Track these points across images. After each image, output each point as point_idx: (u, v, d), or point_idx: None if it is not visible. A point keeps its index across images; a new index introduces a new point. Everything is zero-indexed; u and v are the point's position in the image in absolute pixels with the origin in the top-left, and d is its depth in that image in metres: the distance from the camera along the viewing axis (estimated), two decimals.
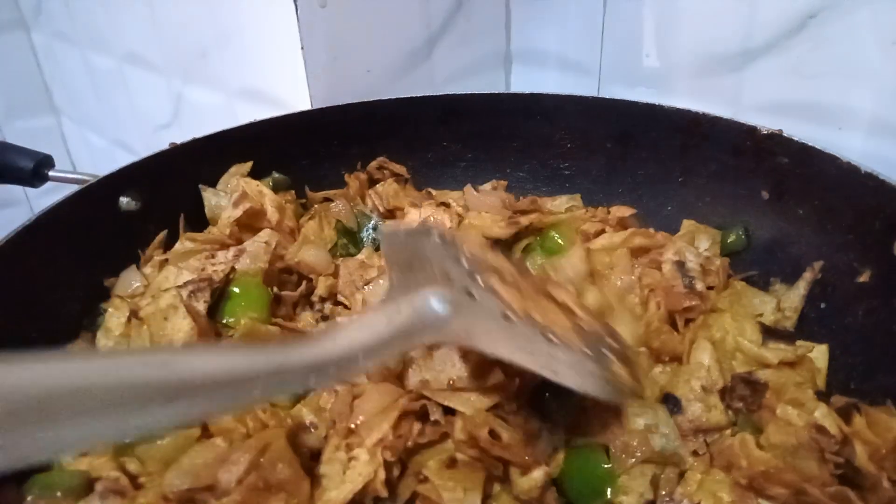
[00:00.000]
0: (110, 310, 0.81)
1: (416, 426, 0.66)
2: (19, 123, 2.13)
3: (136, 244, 0.94)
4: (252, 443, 0.61)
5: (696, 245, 0.92)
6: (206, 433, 0.66)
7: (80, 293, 0.85)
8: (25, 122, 2.14)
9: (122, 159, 0.96)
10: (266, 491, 0.57)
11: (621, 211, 0.97)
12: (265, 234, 0.90)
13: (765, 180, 0.93)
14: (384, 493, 0.62)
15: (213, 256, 0.85)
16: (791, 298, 0.87)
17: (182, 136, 1.02)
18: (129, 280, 0.87)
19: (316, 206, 1.07)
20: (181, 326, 0.76)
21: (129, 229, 0.93)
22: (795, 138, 0.89)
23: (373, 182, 1.12)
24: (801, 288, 0.87)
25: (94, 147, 2.08)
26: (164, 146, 0.98)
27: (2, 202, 1.97)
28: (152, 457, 0.63)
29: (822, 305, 0.85)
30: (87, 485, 0.62)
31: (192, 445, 0.64)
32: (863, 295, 0.80)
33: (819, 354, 0.80)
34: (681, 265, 0.82)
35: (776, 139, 0.91)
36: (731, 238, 0.95)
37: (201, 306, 0.81)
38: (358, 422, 0.65)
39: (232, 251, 0.87)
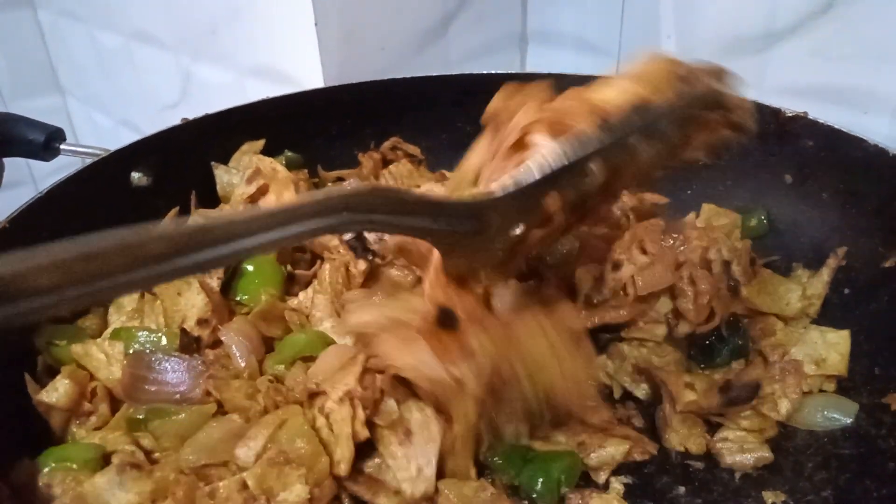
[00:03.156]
0: None
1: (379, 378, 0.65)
2: (25, 103, 2.11)
3: (147, 220, 0.92)
4: (269, 419, 0.60)
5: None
6: (220, 410, 0.65)
7: None
8: (31, 101, 2.11)
9: (129, 139, 0.94)
10: (285, 464, 0.55)
11: (655, 198, 0.95)
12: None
13: (788, 163, 0.91)
14: (365, 434, 0.60)
15: None
16: (815, 285, 0.85)
17: (191, 115, 1.00)
18: None
19: (329, 185, 1.05)
20: (195, 302, 0.75)
21: (140, 205, 0.92)
22: (821, 121, 0.87)
23: (386, 163, 1.10)
24: (825, 274, 0.85)
25: (101, 127, 2.06)
26: (173, 125, 0.96)
27: (7, 182, 1.95)
28: (167, 432, 0.62)
29: (846, 291, 0.84)
30: (103, 458, 0.61)
31: (206, 421, 0.63)
32: (887, 280, 0.79)
33: (841, 340, 0.79)
34: (728, 266, 0.80)
35: (801, 121, 0.89)
36: (753, 222, 0.94)
37: (214, 283, 0.79)
38: (317, 381, 0.64)
39: None
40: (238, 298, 0.80)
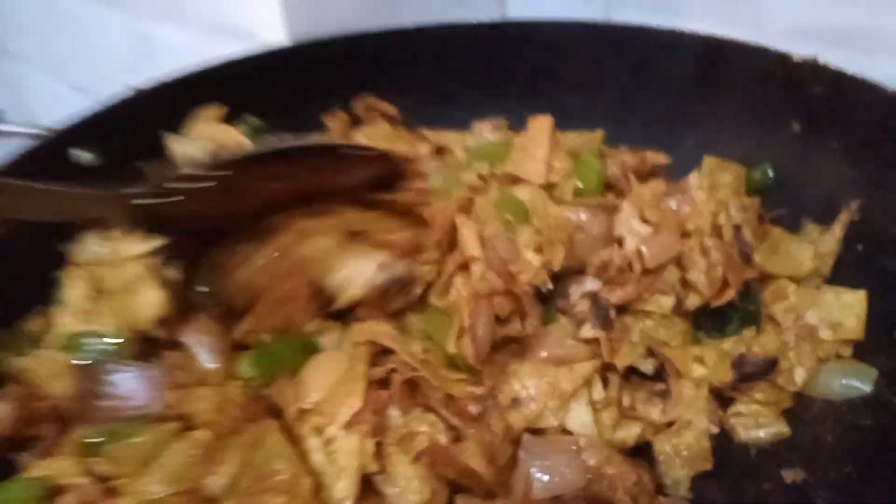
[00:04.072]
0: (67, 281, 0.71)
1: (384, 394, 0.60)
2: None
3: None
4: (241, 439, 0.53)
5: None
6: (186, 426, 0.58)
7: (31, 262, 0.75)
8: None
9: (81, 105, 0.85)
10: (263, 494, 0.49)
11: (656, 158, 0.87)
12: None
13: (795, 112, 0.85)
14: (375, 467, 0.55)
15: None
16: (826, 242, 0.80)
17: (146, 77, 0.91)
18: (90, 246, 0.77)
19: None
20: (152, 298, 0.67)
21: (89, 185, 0.83)
22: (832, 66, 0.80)
23: (356, 123, 1.02)
24: (837, 230, 0.79)
25: (50, 92, 1.93)
26: (126, 91, 0.87)
27: None
28: (126, 456, 0.55)
29: (860, 248, 0.78)
30: (51, 495, 0.54)
31: (169, 441, 0.56)
32: None
33: (856, 301, 0.74)
34: (738, 231, 0.74)
35: (809, 66, 0.82)
36: (757, 175, 0.87)
37: (176, 274, 0.72)
38: (314, 402, 0.58)
39: None
40: (202, 289, 0.72)
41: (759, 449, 0.69)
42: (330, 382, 0.57)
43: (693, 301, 0.75)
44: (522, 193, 0.78)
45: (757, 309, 0.76)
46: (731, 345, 0.75)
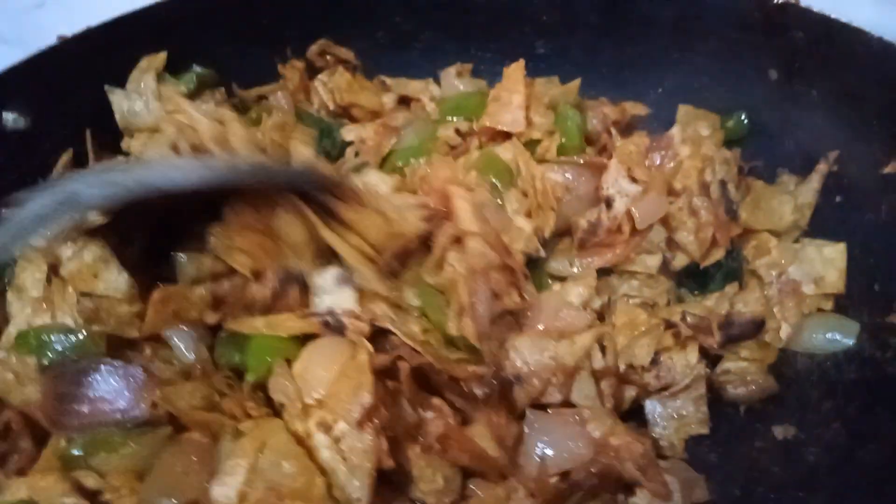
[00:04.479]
0: (22, 263, 0.63)
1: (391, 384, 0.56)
2: None
3: (32, 171, 0.74)
4: (246, 444, 0.49)
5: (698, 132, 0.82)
6: (178, 428, 0.53)
7: None
8: None
9: None
10: (279, 502, 0.46)
11: (636, 108, 0.84)
12: None
13: (774, 58, 0.82)
14: (390, 463, 0.53)
15: None
16: (804, 193, 0.79)
17: (61, 18, 0.80)
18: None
19: (252, 106, 0.88)
20: (116, 282, 0.60)
21: (18, 153, 0.73)
22: (815, 9, 0.78)
23: (314, 71, 0.94)
24: (814, 180, 0.79)
25: None
26: (47, 36, 0.76)
27: None
28: (116, 467, 0.50)
29: (838, 199, 0.78)
30: None
31: (164, 447, 0.51)
32: (888, 187, 0.74)
33: (836, 254, 0.74)
34: (724, 187, 0.72)
35: (791, 10, 0.79)
36: (731, 123, 0.85)
37: (138, 253, 0.65)
38: (318, 398, 0.54)
39: None
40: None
41: (748, 407, 0.70)
42: (332, 374, 0.53)
43: (680, 261, 0.74)
44: (505, 153, 0.74)
45: (739, 265, 0.76)
46: (714, 301, 0.75)
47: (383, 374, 0.55)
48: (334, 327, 0.57)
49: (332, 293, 0.59)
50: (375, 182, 0.69)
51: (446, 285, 0.61)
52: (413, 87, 0.91)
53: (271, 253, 0.60)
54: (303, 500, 0.47)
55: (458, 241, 0.62)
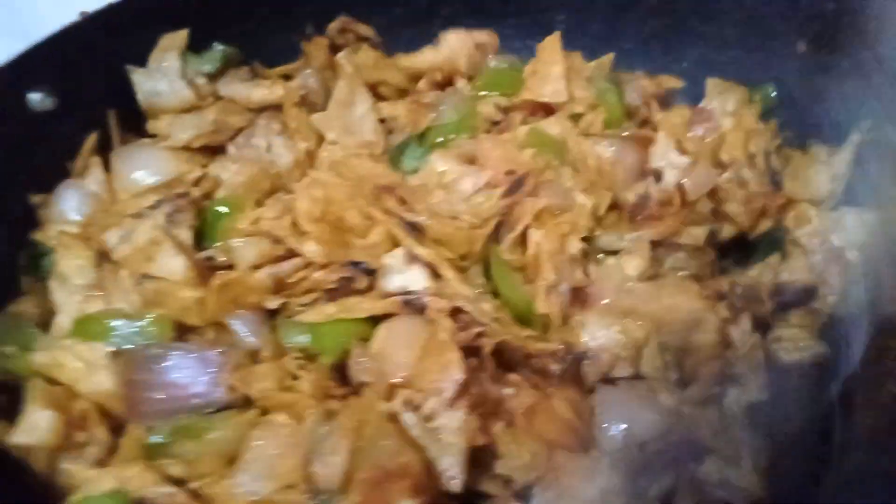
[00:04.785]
0: (60, 250, 0.60)
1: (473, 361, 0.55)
2: None
3: (58, 156, 0.70)
4: (344, 423, 0.47)
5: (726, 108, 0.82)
6: (256, 410, 0.51)
7: None
8: None
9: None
10: (387, 483, 0.44)
11: (670, 82, 0.84)
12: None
13: (802, 29, 0.83)
14: (483, 440, 0.52)
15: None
16: (837, 163, 0.80)
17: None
18: (68, 202, 0.65)
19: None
20: (173, 267, 0.57)
21: (44, 137, 0.69)
22: None
23: (335, 48, 0.91)
24: (847, 151, 0.80)
25: None
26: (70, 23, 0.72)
27: None
28: (202, 455, 0.48)
29: (871, 168, 0.79)
30: None
31: (250, 432, 0.49)
32: None
33: (863, 223, 0.76)
34: (769, 158, 0.73)
35: None
36: (760, 96, 0.86)
37: (185, 234, 0.62)
38: (405, 376, 0.53)
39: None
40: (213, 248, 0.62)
41: (801, 372, 0.71)
42: (415, 353, 0.52)
43: (728, 231, 0.74)
44: (552, 128, 0.73)
45: (781, 235, 0.77)
46: (758, 272, 0.75)
47: (465, 352, 0.54)
48: (415, 306, 0.56)
49: (403, 272, 0.57)
50: (440, 166, 0.67)
51: (529, 262, 0.60)
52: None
53: (343, 245, 0.58)
54: (407, 478, 0.46)
55: (537, 217, 0.61)
